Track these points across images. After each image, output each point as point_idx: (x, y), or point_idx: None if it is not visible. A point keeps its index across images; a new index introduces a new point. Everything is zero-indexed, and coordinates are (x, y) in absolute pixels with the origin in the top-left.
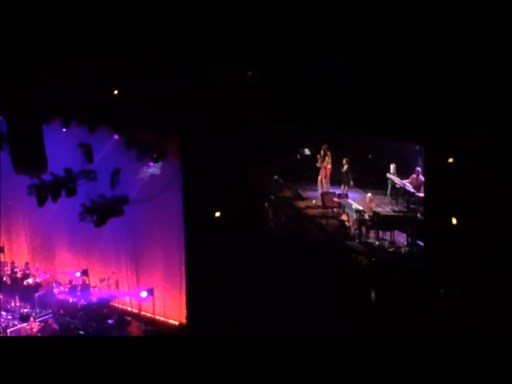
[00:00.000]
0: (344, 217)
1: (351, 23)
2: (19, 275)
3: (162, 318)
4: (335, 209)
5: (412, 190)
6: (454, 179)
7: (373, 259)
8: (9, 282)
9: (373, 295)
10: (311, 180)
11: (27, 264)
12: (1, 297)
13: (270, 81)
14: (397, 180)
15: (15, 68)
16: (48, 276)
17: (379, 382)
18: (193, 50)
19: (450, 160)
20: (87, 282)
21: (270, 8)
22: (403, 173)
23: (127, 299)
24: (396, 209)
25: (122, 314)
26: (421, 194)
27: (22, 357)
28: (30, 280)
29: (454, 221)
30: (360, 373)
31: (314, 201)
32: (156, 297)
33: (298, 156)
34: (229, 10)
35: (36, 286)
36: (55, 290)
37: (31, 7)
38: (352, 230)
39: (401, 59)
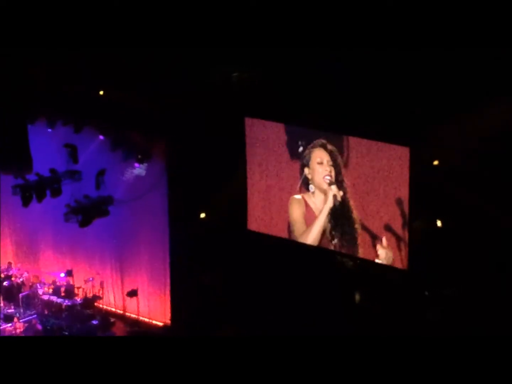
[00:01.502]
0: None
1: (342, 22)
2: (2, 275)
3: (146, 319)
4: None
5: None
6: (439, 181)
7: (358, 261)
8: None
9: (357, 296)
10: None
11: (9, 264)
12: None
13: (257, 80)
14: None
15: (0, 68)
16: (31, 276)
17: (375, 382)
18: (183, 50)
19: (435, 162)
20: (71, 282)
21: (269, 8)
22: None
23: (112, 299)
24: None
25: (106, 315)
26: None
27: (6, 358)
28: (13, 280)
29: (439, 223)
30: (356, 373)
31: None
32: (141, 298)
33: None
34: (223, 10)
35: (20, 286)
36: (40, 291)
37: (23, 6)
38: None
39: (387, 60)
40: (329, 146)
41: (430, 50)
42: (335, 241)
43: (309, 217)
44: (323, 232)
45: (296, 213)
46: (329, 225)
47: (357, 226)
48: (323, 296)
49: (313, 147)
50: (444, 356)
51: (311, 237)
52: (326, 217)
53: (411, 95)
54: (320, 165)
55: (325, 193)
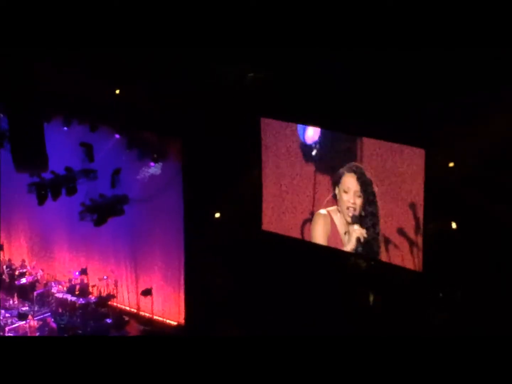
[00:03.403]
0: None
1: (348, 23)
2: (17, 273)
3: (160, 318)
4: None
5: None
6: (454, 183)
7: (372, 262)
8: (7, 280)
9: (371, 297)
10: None
11: (23, 261)
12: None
13: (272, 81)
14: None
15: (17, 66)
16: (46, 274)
17: (378, 382)
18: (194, 50)
19: (451, 164)
20: (86, 281)
21: (270, 8)
22: None
23: (126, 298)
24: None
25: (120, 314)
26: None
27: (19, 357)
28: (24, 280)
29: (453, 225)
30: (360, 373)
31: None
32: (155, 297)
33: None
34: (230, 10)
35: (34, 285)
36: (54, 289)
37: (33, 6)
38: None
39: (402, 61)
40: (361, 176)
41: (446, 51)
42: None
43: (333, 236)
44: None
45: (319, 230)
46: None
47: (380, 233)
48: (336, 297)
49: (347, 171)
50: (457, 358)
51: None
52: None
53: (427, 96)
54: (345, 194)
55: (347, 231)
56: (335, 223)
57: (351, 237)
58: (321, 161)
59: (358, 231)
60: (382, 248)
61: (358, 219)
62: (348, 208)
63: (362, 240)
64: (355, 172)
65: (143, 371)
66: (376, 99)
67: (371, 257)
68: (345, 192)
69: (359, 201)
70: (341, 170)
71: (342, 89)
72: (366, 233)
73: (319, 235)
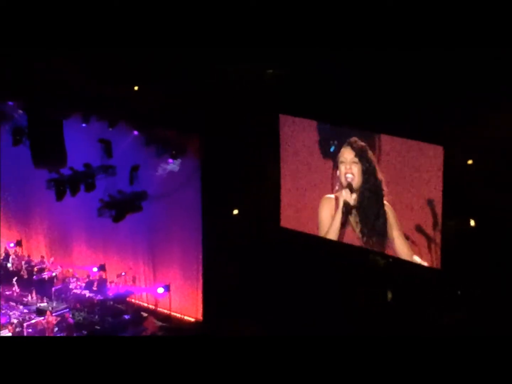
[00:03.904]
0: None
1: (367, 22)
2: (35, 269)
3: (178, 315)
4: None
5: None
6: (472, 181)
7: (390, 259)
8: (25, 276)
9: (389, 295)
10: None
11: (42, 257)
12: (18, 290)
13: (290, 78)
14: None
15: (36, 64)
16: (64, 270)
17: (396, 380)
18: (213, 48)
19: (469, 162)
20: (104, 277)
21: (300, 8)
22: None
23: (144, 295)
24: None
25: (138, 310)
26: None
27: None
28: (46, 274)
29: (472, 223)
30: (377, 372)
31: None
32: (173, 294)
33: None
34: (249, 9)
35: (53, 280)
36: (72, 285)
37: (52, 7)
38: None
39: (420, 59)
40: (358, 144)
41: (465, 48)
42: (364, 238)
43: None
44: (352, 230)
45: (324, 212)
46: (358, 222)
47: (391, 224)
48: (354, 295)
49: (341, 146)
50: (476, 356)
51: (332, 234)
52: (339, 218)
53: (446, 93)
54: (342, 164)
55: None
56: (339, 204)
57: (339, 202)
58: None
59: (345, 195)
60: (392, 230)
61: (350, 186)
62: (345, 177)
63: (351, 204)
64: (349, 143)
65: (156, 371)
66: (395, 96)
67: (388, 254)
68: (342, 162)
69: (356, 168)
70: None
71: (361, 86)
72: (360, 196)
73: (324, 216)
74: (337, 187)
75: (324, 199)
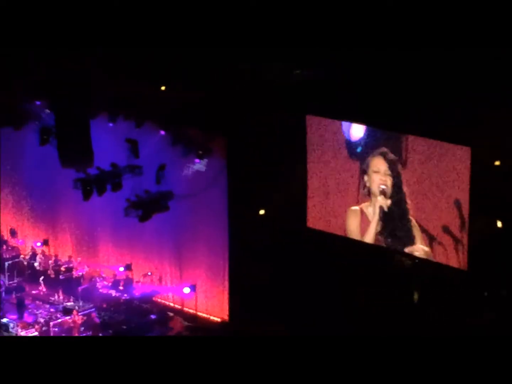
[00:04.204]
0: None
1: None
2: (62, 268)
3: (204, 315)
4: None
5: None
6: (500, 182)
7: (417, 260)
8: (52, 275)
9: (416, 295)
10: None
11: (70, 257)
12: (45, 290)
13: (318, 78)
14: None
15: (63, 64)
16: (91, 270)
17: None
18: (246, 49)
19: (497, 163)
20: (130, 276)
21: (330, 9)
22: None
23: (170, 294)
24: None
25: (164, 310)
26: None
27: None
28: (73, 274)
29: (499, 224)
30: (413, 372)
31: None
32: (199, 294)
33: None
34: (281, 11)
35: (79, 280)
36: (98, 284)
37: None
38: None
39: (448, 59)
40: (390, 156)
41: (493, 49)
42: (389, 241)
43: (363, 225)
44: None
45: (352, 224)
46: (382, 229)
47: (413, 227)
48: (381, 295)
49: (373, 156)
50: (503, 357)
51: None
52: (375, 226)
53: (473, 95)
54: (376, 174)
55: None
56: (365, 215)
57: (375, 209)
58: (365, 157)
59: (381, 201)
60: (421, 245)
61: (384, 193)
62: (379, 185)
63: (385, 209)
64: (381, 154)
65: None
66: (422, 97)
67: (409, 252)
68: (376, 172)
69: (389, 181)
70: (368, 158)
71: (389, 87)
72: (391, 206)
73: (352, 227)
74: (362, 194)
75: (350, 211)
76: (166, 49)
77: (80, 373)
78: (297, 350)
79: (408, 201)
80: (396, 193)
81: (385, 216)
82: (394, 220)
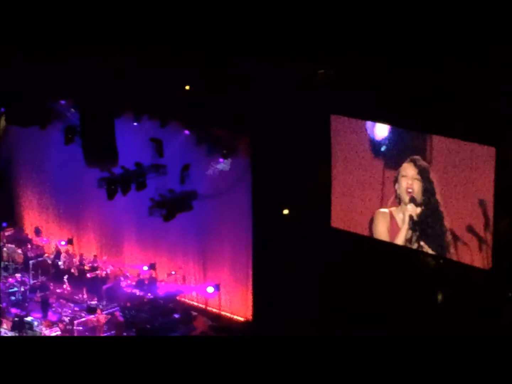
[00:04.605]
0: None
1: (432, 23)
2: (87, 267)
3: (228, 314)
4: None
5: None
6: None
7: (441, 260)
8: (76, 274)
9: (440, 296)
10: None
11: (95, 256)
12: (69, 288)
13: (342, 77)
14: None
15: (88, 63)
16: (115, 269)
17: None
18: (264, 49)
19: None
20: (154, 276)
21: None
22: None
23: (194, 294)
24: None
25: (188, 309)
26: None
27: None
28: (97, 273)
29: None
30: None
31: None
32: (223, 293)
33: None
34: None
35: (104, 279)
36: (123, 283)
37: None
38: None
39: (472, 59)
40: (421, 162)
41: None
42: (422, 244)
43: (393, 229)
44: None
45: (381, 226)
46: (412, 237)
47: (446, 233)
48: (405, 296)
49: (406, 162)
50: None
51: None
52: (405, 234)
53: (499, 94)
54: (404, 178)
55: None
56: (394, 219)
57: (405, 217)
58: (390, 157)
59: (411, 209)
60: (452, 247)
61: (414, 200)
62: (407, 191)
63: (415, 218)
64: (412, 160)
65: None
66: (447, 96)
67: (439, 255)
68: (404, 176)
69: (417, 185)
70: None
71: (413, 86)
72: (422, 214)
73: (380, 230)
74: (393, 199)
75: (379, 213)
76: (192, 49)
77: (96, 373)
78: (320, 350)
79: (442, 208)
80: (429, 201)
81: (416, 225)
82: (426, 229)
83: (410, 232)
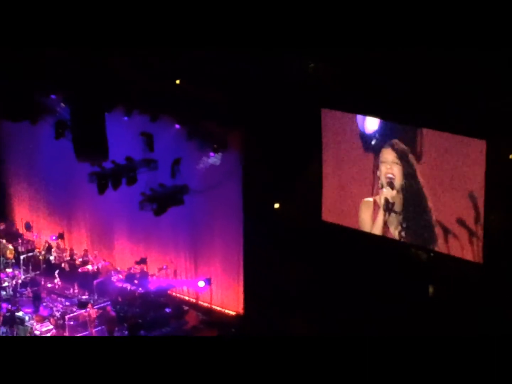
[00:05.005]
0: None
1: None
2: (78, 262)
3: (219, 308)
4: None
5: None
6: None
7: (431, 254)
8: (67, 269)
9: (431, 289)
10: None
11: (86, 251)
12: (60, 283)
13: (332, 72)
14: None
15: (78, 58)
16: (106, 263)
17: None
18: (255, 43)
19: (511, 156)
20: (145, 270)
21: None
22: None
23: (185, 288)
24: None
25: (179, 303)
26: None
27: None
28: (89, 267)
29: None
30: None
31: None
32: (214, 287)
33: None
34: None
35: (95, 273)
36: (114, 278)
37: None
38: None
39: (461, 54)
40: (399, 146)
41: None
42: (403, 234)
43: (375, 216)
44: (394, 227)
45: (364, 214)
46: (399, 219)
47: (434, 224)
48: (396, 288)
49: (384, 147)
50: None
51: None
52: (382, 217)
53: (488, 87)
54: (383, 164)
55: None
56: (377, 205)
57: (381, 200)
58: (380, 150)
59: (386, 192)
60: (439, 240)
61: (391, 184)
62: (386, 177)
63: (391, 200)
64: (390, 144)
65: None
66: (437, 90)
67: (425, 246)
68: (383, 162)
69: (396, 170)
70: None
71: (403, 80)
72: (402, 198)
73: (364, 220)
74: (377, 186)
75: (363, 202)
76: (184, 49)
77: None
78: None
79: (427, 197)
80: (409, 185)
81: (393, 207)
82: (408, 212)
83: (386, 214)
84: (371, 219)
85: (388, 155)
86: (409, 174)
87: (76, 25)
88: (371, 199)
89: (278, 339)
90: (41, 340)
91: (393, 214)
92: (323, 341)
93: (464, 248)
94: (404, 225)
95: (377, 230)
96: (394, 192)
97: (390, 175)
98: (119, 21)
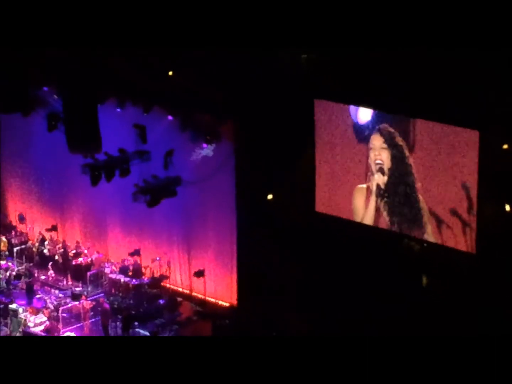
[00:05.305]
0: None
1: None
2: (71, 254)
3: (212, 300)
4: None
5: None
6: (508, 165)
7: (425, 244)
8: (61, 261)
9: (424, 279)
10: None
11: (78, 243)
12: (54, 275)
13: (325, 62)
14: None
15: (71, 50)
16: (100, 255)
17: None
18: (248, 35)
19: (505, 146)
20: (139, 262)
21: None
22: None
23: (179, 279)
24: None
25: (173, 295)
26: None
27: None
28: (81, 259)
29: (507, 208)
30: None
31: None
32: (207, 279)
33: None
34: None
35: (88, 265)
36: (107, 270)
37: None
38: None
39: (456, 45)
40: (386, 130)
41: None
42: (396, 225)
43: (367, 203)
44: (386, 216)
45: (358, 201)
46: (385, 207)
47: (423, 210)
48: (389, 279)
49: (373, 133)
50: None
51: (367, 221)
52: (374, 203)
53: (482, 78)
54: (372, 151)
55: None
56: (370, 194)
57: (373, 187)
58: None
59: (377, 178)
60: (432, 228)
61: (382, 170)
62: (375, 163)
63: (382, 186)
64: (378, 129)
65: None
66: (430, 80)
67: (415, 235)
68: (371, 149)
69: (385, 155)
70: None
71: (397, 71)
72: (389, 182)
73: (357, 207)
74: (369, 173)
75: (357, 189)
76: (177, 48)
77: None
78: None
79: (417, 184)
80: (397, 168)
81: (385, 193)
82: (398, 198)
83: (378, 200)
84: (364, 205)
85: (376, 141)
86: (397, 158)
87: (74, 24)
88: (364, 185)
89: (274, 338)
90: (40, 340)
91: (385, 200)
92: (318, 337)
93: (457, 238)
94: (396, 211)
95: (370, 216)
96: (386, 177)
97: (379, 161)
98: (111, 19)
